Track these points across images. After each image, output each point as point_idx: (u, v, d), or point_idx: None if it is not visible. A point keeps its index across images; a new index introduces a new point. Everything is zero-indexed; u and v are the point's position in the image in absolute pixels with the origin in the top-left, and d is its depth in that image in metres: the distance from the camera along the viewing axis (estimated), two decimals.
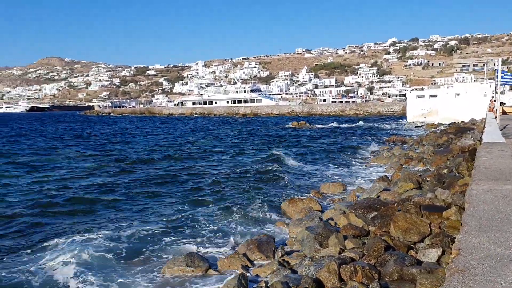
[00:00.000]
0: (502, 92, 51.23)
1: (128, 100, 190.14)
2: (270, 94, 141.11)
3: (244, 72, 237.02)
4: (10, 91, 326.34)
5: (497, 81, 20.72)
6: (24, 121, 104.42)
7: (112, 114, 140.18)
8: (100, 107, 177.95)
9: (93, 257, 9.92)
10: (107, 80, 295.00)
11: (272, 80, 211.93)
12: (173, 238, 11.37)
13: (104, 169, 23.21)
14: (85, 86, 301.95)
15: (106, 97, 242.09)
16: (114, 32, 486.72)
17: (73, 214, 14.20)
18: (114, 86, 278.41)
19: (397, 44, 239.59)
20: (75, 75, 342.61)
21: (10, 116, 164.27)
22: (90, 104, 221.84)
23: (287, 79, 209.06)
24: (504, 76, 20.70)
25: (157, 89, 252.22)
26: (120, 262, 9.82)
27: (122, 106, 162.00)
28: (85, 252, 10.05)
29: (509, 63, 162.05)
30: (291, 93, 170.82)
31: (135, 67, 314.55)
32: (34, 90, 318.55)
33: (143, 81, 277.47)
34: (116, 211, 14.54)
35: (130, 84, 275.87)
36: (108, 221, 13.16)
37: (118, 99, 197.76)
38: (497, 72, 20.41)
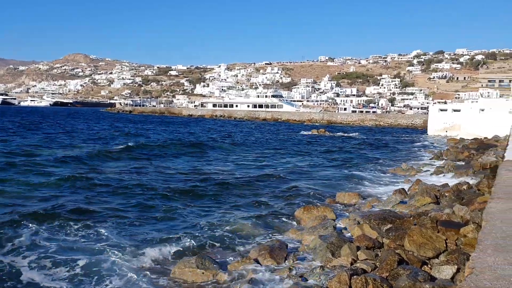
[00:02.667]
0: None
1: (149, 99, 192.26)
2: (291, 101, 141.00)
3: (266, 77, 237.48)
4: (35, 85, 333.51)
5: None
6: (55, 116, 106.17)
7: (132, 112, 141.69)
8: (121, 105, 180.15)
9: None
10: (129, 79, 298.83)
11: (294, 86, 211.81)
12: (182, 239, 11.36)
13: None
14: (108, 83, 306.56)
15: (128, 95, 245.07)
16: (139, 31, 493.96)
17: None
18: (136, 85, 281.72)
19: (421, 56, 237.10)
20: (99, 72, 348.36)
21: (36, 109, 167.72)
22: (112, 101, 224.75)
23: (308, 86, 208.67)
24: None
25: (178, 90, 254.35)
26: (128, 259, 9.86)
27: (143, 105, 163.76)
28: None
29: None
30: (312, 101, 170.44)
31: (157, 67, 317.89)
32: (59, 85, 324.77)
33: (164, 81, 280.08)
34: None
35: (152, 84, 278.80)
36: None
37: (140, 97, 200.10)
38: None
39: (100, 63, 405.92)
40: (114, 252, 10.16)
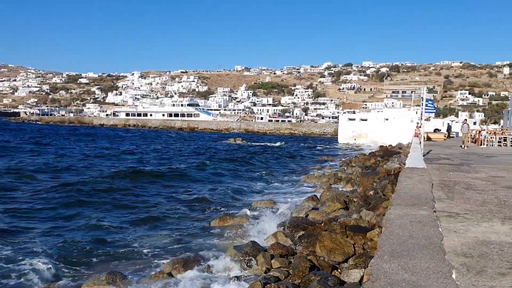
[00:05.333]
0: (427, 119, 54.69)
1: (57, 108, 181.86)
2: (208, 109, 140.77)
3: (182, 86, 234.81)
4: None
5: (422, 108, 21.98)
6: None
7: (39, 122, 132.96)
8: (26, 114, 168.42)
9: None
10: (36, 86, 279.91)
11: (211, 95, 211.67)
12: (100, 253, 10.83)
13: None
14: (11, 91, 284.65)
15: (34, 104, 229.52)
16: (46, 36, 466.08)
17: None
18: (44, 93, 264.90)
19: (332, 68, 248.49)
20: (0, 79, 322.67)
21: None
22: (16, 110, 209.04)
23: (226, 95, 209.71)
24: (428, 105, 22.00)
25: (89, 98, 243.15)
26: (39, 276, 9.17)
27: (51, 114, 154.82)
28: None
29: (435, 92, 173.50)
30: (230, 110, 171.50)
31: (67, 74, 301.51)
32: None
33: (74, 89, 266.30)
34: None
35: (60, 92, 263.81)
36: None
37: (47, 106, 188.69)
38: (422, 100, 21.63)
39: (2, 70, 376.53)
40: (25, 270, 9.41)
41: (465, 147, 26.03)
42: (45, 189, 19.54)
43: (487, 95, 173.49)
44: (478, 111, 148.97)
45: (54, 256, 10.60)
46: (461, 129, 30.74)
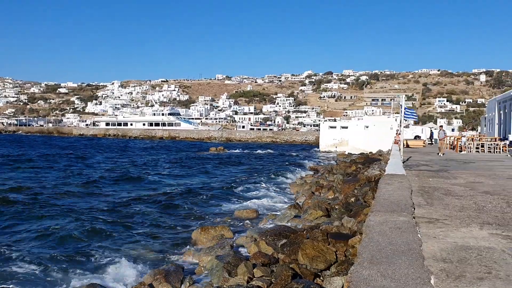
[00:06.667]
0: (407, 126, 55.49)
1: (35, 119, 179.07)
2: (189, 118, 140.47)
3: (163, 95, 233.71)
4: None
5: (401, 115, 22.25)
6: None
7: (16, 132, 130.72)
8: (3, 125, 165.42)
9: None
10: (13, 97, 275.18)
11: (192, 104, 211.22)
12: (78, 265, 10.62)
13: None
14: None
15: (12, 114, 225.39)
16: (24, 45, 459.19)
17: None
18: (22, 103, 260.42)
19: (312, 77, 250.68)
20: None
21: None
22: None
23: (207, 104, 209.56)
24: (406, 112, 22.31)
25: (68, 108, 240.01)
26: None
27: (29, 125, 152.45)
28: None
29: (413, 99, 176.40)
30: (211, 118, 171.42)
31: (45, 84, 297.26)
32: None
33: (53, 99, 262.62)
34: None
35: (39, 102, 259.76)
36: None
37: (25, 117, 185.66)
38: (401, 107, 21.91)
39: None
40: None
41: (442, 154, 25.96)
42: None
43: (465, 102, 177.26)
44: (456, 118, 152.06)
45: (33, 266, 10.36)
46: (438, 136, 31.07)
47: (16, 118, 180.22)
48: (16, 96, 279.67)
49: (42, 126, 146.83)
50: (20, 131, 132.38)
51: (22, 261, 10.94)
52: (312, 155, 54.52)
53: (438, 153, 26.37)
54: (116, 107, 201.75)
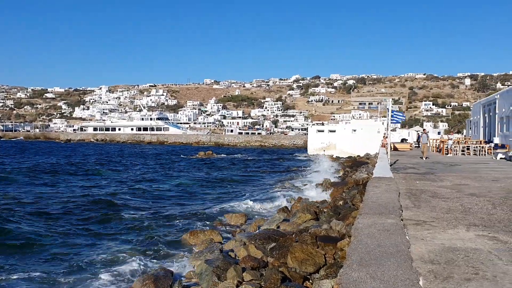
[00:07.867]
0: (393, 130, 55.93)
1: (22, 124, 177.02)
2: (178, 123, 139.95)
3: (151, 100, 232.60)
4: None
5: (388, 119, 22.41)
6: None
7: (2, 138, 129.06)
8: None
9: None
10: None
11: (180, 109, 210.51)
12: (66, 274, 10.51)
13: None
14: None
15: None
16: (10, 49, 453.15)
17: None
18: (8, 109, 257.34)
19: (300, 81, 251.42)
20: None
21: None
22: None
23: (195, 109, 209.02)
24: (394, 115, 22.50)
25: (55, 113, 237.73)
26: None
27: (15, 130, 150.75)
28: None
29: (400, 103, 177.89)
30: (200, 123, 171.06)
31: (32, 89, 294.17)
32: None
33: (40, 104, 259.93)
34: None
35: (25, 107, 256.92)
36: None
37: (11, 122, 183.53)
38: (388, 111, 22.07)
39: None
40: None
41: (425, 158, 25.29)
42: None
43: (450, 106, 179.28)
44: (442, 121, 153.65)
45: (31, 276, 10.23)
46: (420, 139, 31.04)
47: (2, 124, 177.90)
48: (2, 101, 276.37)
49: (29, 131, 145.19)
50: (22, 137, 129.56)
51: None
52: (301, 159, 54.60)
53: (421, 157, 25.90)
54: (104, 112, 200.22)
